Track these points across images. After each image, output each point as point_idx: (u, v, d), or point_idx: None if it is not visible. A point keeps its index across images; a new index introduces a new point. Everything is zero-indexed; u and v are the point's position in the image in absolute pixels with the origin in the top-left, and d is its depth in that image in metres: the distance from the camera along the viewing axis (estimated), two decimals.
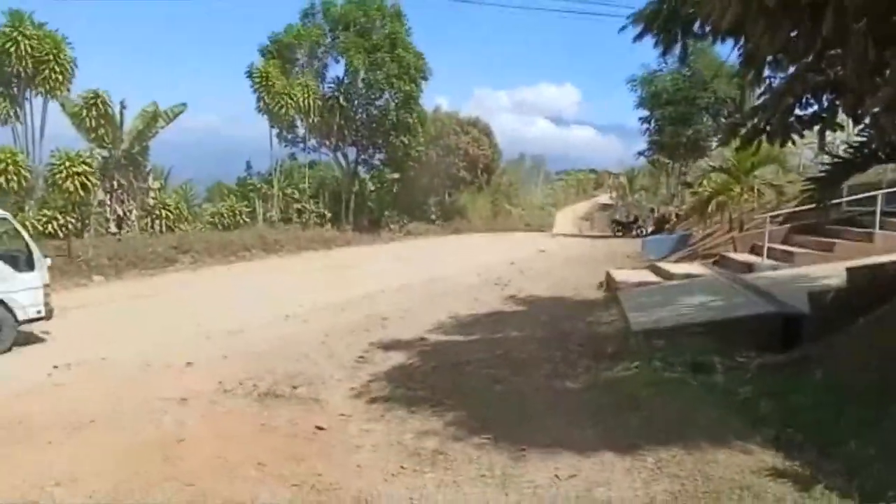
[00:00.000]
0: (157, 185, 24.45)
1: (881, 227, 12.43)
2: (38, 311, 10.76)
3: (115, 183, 22.09)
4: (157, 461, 5.40)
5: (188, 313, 12.33)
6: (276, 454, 5.44)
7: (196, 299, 14.29)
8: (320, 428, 6.08)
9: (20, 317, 10.49)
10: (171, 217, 23.40)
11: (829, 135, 7.96)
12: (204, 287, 16.49)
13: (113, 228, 21.70)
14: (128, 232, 21.87)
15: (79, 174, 19.39)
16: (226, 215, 26.06)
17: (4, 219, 11.40)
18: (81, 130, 21.53)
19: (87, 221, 20.78)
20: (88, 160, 20.22)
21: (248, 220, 26.65)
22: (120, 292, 15.48)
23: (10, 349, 10.15)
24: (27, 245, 10.94)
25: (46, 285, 10.92)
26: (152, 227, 22.92)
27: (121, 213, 22.19)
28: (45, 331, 10.99)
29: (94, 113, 21.14)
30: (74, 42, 21.16)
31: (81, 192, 19.55)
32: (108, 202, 22.00)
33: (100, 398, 7.20)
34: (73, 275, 16.72)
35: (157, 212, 23.18)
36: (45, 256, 11.37)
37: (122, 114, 22.36)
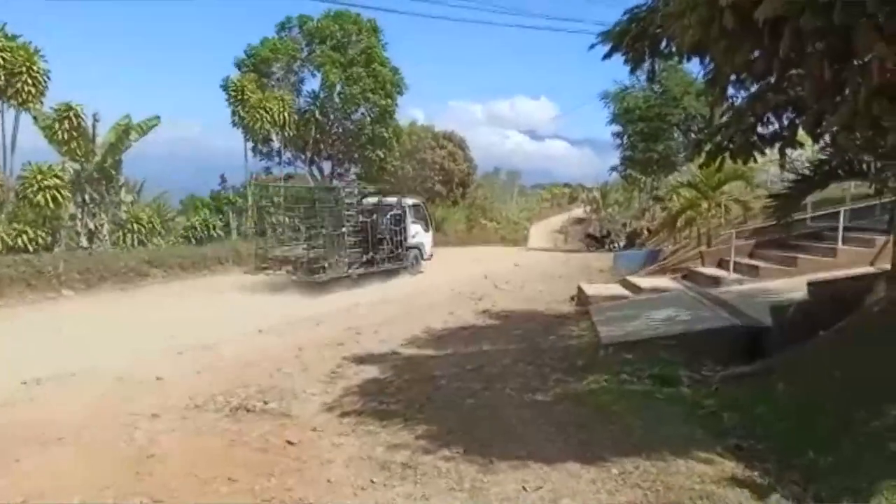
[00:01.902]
0: (129, 198, 24.22)
1: (844, 243, 12.72)
2: (430, 255, 23.85)
3: (86, 196, 21.83)
4: (127, 476, 5.40)
5: (160, 328, 12.22)
6: (247, 469, 5.46)
7: (168, 314, 14.18)
8: (291, 443, 6.10)
9: (424, 256, 23.26)
10: (144, 231, 23.16)
11: (793, 152, 8.19)
12: (176, 301, 16.36)
13: (84, 242, 21.40)
14: (99, 246, 21.59)
15: (50, 188, 19.26)
16: (199, 229, 25.86)
17: (419, 204, 24.11)
18: (54, 143, 21.24)
19: (57, 235, 20.52)
20: (60, 173, 20.06)
21: (221, 233, 26.48)
22: (90, 307, 15.33)
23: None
24: (428, 217, 24.48)
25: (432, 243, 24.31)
26: (124, 241, 22.67)
27: (92, 226, 21.90)
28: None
29: (66, 126, 20.88)
30: (49, 54, 20.94)
31: (52, 206, 19.40)
32: (80, 216, 21.70)
33: (70, 413, 7.16)
34: (43, 289, 16.51)
35: (130, 226, 22.93)
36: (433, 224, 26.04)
37: (94, 127, 22.09)
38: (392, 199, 22.80)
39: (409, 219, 22.37)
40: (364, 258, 19.92)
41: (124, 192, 23.75)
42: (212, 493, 5.06)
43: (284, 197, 23.03)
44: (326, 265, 18.08)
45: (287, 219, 21.81)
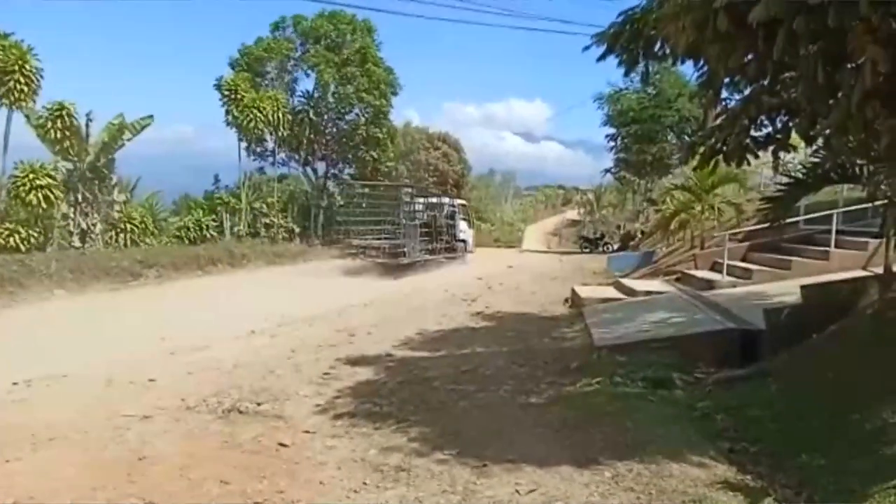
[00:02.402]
0: (122, 198, 24.10)
1: (837, 246, 12.72)
2: (472, 249, 27.31)
3: (79, 196, 21.75)
4: (119, 478, 5.35)
5: (152, 329, 12.18)
6: (239, 471, 5.42)
7: (161, 314, 14.13)
8: (284, 445, 6.07)
9: (468, 249, 26.70)
10: (137, 231, 23.13)
11: (786, 155, 8.22)
12: (169, 302, 16.32)
13: (76, 242, 21.33)
14: (91, 246, 21.53)
15: (42, 187, 19.21)
16: (192, 229, 25.82)
17: (464, 204, 28.74)
18: (46, 142, 21.16)
19: (49, 235, 20.44)
20: (52, 173, 19.99)
21: (215, 233, 26.43)
22: (83, 307, 15.25)
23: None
24: (470, 216, 28.79)
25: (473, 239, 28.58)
26: (117, 240, 22.61)
27: (85, 226, 21.83)
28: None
29: (59, 125, 20.81)
30: (42, 53, 20.78)
31: (44, 205, 19.35)
32: (72, 215, 21.63)
33: (61, 415, 7.10)
34: (35, 288, 16.42)
35: (122, 225, 22.88)
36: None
37: (88, 126, 22.01)
38: (446, 199, 27.97)
39: (458, 216, 27.39)
40: (429, 247, 24.56)
41: (117, 192, 23.64)
42: (203, 494, 5.02)
43: (368, 195, 27.92)
44: (406, 251, 22.65)
45: (366, 214, 26.44)
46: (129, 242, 22.69)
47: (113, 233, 22.69)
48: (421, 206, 25.62)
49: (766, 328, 8.46)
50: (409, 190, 26.77)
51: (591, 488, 4.67)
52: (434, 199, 27.21)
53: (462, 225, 27.62)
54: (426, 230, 24.73)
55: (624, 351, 8.61)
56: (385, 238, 24.21)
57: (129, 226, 22.94)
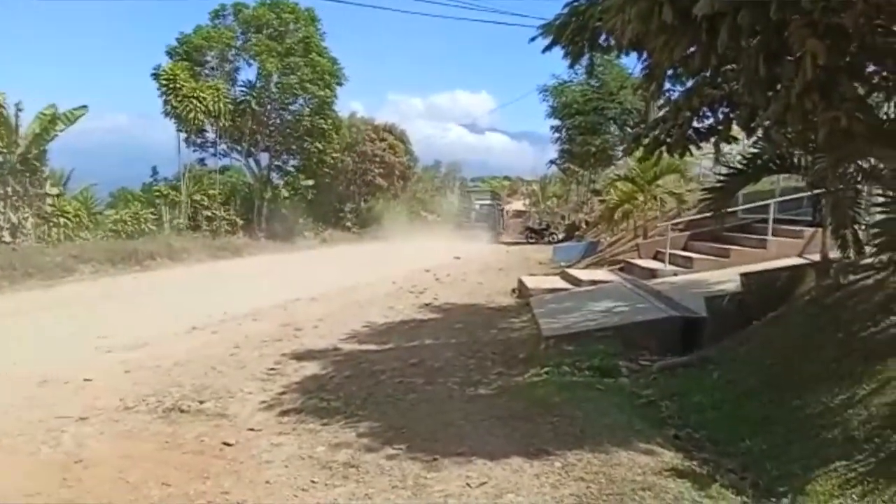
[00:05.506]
0: (55, 191, 23.23)
1: (774, 234, 13.07)
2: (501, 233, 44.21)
3: (9, 189, 20.86)
4: (55, 483, 5.12)
5: (88, 326, 11.76)
6: (182, 473, 5.25)
7: (96, 311, 13.65)
8: (228, 444, 5.90)
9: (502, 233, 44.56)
10: (71, 225, 22.38)
11: (725, 146, 8.39)
12: (105, 298, 15.79)
13: (7, 237, 20.47)
14: (23, 241, 20.68)
15: None
16: (130, 223, 25.09)
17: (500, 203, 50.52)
18: None
19: None
20: None
21: (153, 227, 25.75)
22: (14, 304, 14.63)
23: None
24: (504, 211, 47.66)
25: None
26: (50, 235, 21.81)
27: (15, 220, 20.94)
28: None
29: None
30: None
31: None
32: (2, 209, 20.74)
33: None
34: None
35: (56, 219, 22.09)
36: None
37: (17, 116, 21.16)
38: (497, 200, 47.04)
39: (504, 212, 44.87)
40: (497, 228, 41.83)
41: (49, 185, 22.79)
42: (144, 497, 4.84)
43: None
44: (498, 228, 41.31)
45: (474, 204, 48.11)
46: (62, 237, 21.93)
47: (45, 227, 21.88)
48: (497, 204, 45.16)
49: (707, 315, 8.65)
50: (497, 192, 49.53)
51: (541, 479, 4.66)
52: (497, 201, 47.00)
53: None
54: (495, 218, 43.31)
55: (571, 341, 8.68)
56: (485, 222, 42.37)
57: (62, 220, 22.16)
